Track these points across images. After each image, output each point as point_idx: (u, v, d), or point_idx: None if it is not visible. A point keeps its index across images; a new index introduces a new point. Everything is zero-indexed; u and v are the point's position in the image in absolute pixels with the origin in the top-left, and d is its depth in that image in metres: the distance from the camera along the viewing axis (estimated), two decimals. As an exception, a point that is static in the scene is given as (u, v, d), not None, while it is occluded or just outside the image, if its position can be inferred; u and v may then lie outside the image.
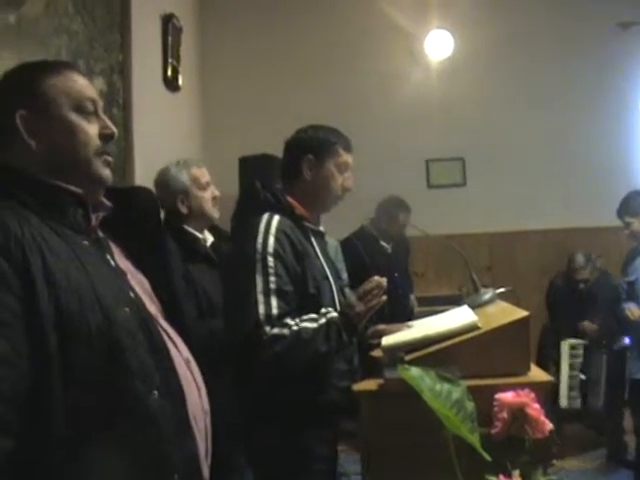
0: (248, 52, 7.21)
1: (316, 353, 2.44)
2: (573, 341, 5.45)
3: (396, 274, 5.67)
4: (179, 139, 6.22)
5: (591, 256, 5.97)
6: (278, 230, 2.56)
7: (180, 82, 6.09)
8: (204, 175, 3.62)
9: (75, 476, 1.42)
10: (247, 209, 2.74)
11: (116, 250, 1.76)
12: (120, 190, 1.68)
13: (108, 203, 1.72)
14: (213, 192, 3.60)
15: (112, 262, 1.68)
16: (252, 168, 5.70)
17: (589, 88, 7.01)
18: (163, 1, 5.90)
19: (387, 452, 2.21)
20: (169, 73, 5.85)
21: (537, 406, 2.01)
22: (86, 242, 1.61)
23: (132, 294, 1.64)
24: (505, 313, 2.53)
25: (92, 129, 1.64)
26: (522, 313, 2.36)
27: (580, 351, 5.40)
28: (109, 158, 1.68)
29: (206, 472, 1.71)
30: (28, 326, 1.41)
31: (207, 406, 1.75)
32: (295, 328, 2.42)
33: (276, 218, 2.60)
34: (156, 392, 1.53)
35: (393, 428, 2.19)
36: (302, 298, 2.53)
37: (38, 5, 3.46)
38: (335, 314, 2.50)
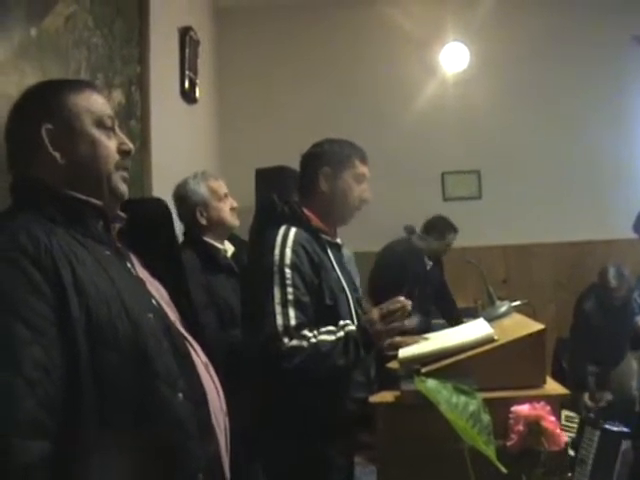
0: (264, 65, 7.24)
1: (334, 366, 2.45)
2: (568, 413, 5.31)
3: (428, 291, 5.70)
4: (196, 151, 6.25)
5: (623, 268, 5.78)
6: (295, 242, 2.58)
7: (197, 94, 6.12)
8: (222, 187, 3.68)
9: (105, 476, 1.46)
10: (264, 222, 2.75)
11: (134, 260, 1.82)
12: (131, 201, 1.76)
13: (122, 214, 1.79)
14: (231, 203, 3.67)
15: (133, 271, 1.74)
16: (268, 180, 5.72)
17: (605, 100, 7.00)
18: (180, 14, 5.94)
19: (403, 464, 2.21)
20: (186, 85, 5.88)
21: (553, 419, 2.01)
22: (108, 252, 1.67)
23: (154, 301, 1.71)
24: (521, 326, 2.54)
25: (112, 144, 1.72)
26: (538, 326, 2.36)
27: (574, 424, 5.23)
28: (126, 174, 1.76)
29: (227, 471, 1.76)
30: (61, 333, 1.46)
31: (225, 407, 1.81)
32: (313, 340, 2.43)
33: (293, 230, 2.62)
34: (181, 394, 1.59)
35: (409, 440, 2.20)
36: (319, 309, 2.54)
37: (58, 19, 3.49)
38: (353, 328, 2.50)
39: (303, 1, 7.15)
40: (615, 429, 3.85)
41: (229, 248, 3.68)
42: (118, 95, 4.30)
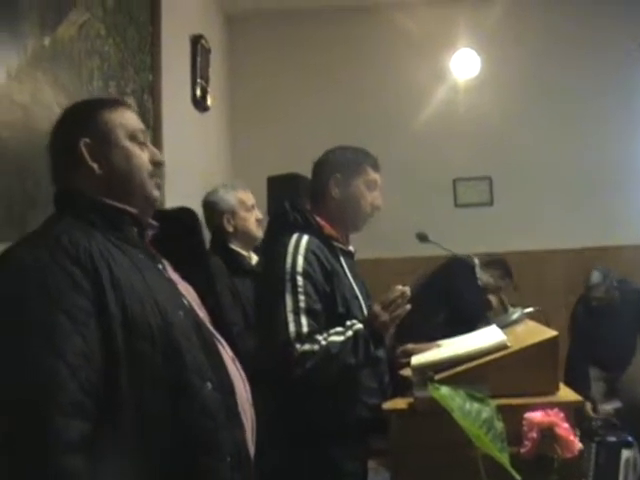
0: (275, 72, 7.24)
1: (345, 366, 2.46)
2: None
3: None
4: (208, 159, 6.27)
5: (609, 272, 5.84)
6: (307, 250, 2.58)
7: (209, 102, 6.14)
8: (250, 198, 3.89)
9: (140, 458, 1.60)
10: (277, 230, 2.76)
11: (166, 263, 1.97)
12: (164, 211, 1.94)
13: (155, 223, 1.96)
14: (257, 215, 3.84)
15: (165, 273, 1.91)
16: (280, 187, 5.71)
17: (618, 107, 6.98)
18: (192, 22, 5.97)
19: (416, 470, 2.22)
20: (198, 93, 5.90)
21: (566, 426, 2.01)
22: (142, 255, 1.83)
23: (184, 301, 1.86)
24: (534, 333, 2.54)
25: (144, 155, 1.89)
26: (551, 333, 2.37)
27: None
28: (159, 181, 1.94)
29: (252, 457, 1.90)
30: (99, 325, 1.61)
31: (251, 398, 1.95)
32: (324, 343, 2.44)
33: (305, 238, 2.63)
34: (209, 384, 1.74)
35: (422, 446, 2.21)
36: (331, 317, 2.55)
37: (72, 28, 3.51)
38: (360, 325, 2.51)
39: (313, 7, 7.15)
40: (612, 439, 3.75)
41: (253, 257, 3.82)
42: (130, 103, 4.32)
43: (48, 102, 3.25)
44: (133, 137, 1.88)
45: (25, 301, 1.57)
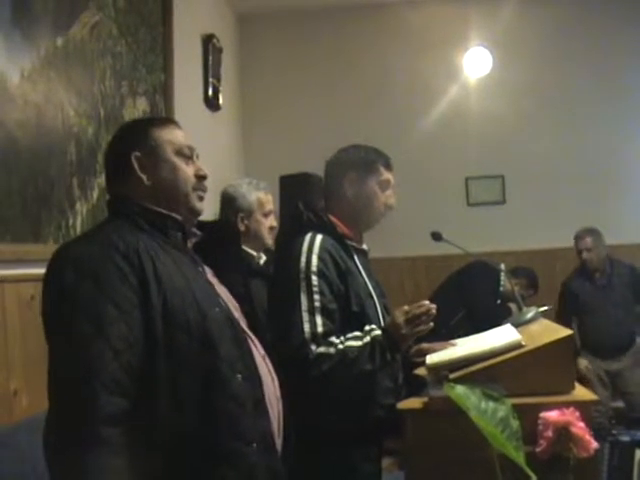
0: (287, 71, 7.25)
1: (361, 372, 2.44)
2: None
3: None
4: (220, 158, 6.27)
5: (600, 234, 5.89)
6: (321, 249, 2.58)
7: (221, 101, 6.15)
8: (269, 203, 3.84)
9: (172, 439, 1.78)
10: (290, 229, 2.76)
11: (206, 268, 2.14)
12: (207, 222, 2.25)
13: (198, 232, 2.16)
14: (272, 222, 3.78)
15: (204, 275, 2.07)
16: (292, 187, 5.71)
17: (630, 106, 6.96)
18: (203, 22, 5.98)
19: (431, 470, 2.21)
20: (210, 93, 5.91)
21: (582, 425, 2.01)
22: (184, 258, 2.01)
23: (220, 300, 2.02)
24: (548, 331, 2.53)
25: (190, 170, 2.07)
26: (566, 331, 2.36)
27: None
28: (202, 194, 2.10)
29: (279, 448, 2.06)
30: (142, 315, 1.79)
31: (279, 394, 2.10)
32: (341, 347, 2.43)
33: (319, 237, 2.62)
34: (239, 375, 1.90)
35: (437, 446, 2.20)
36: (346, 316, 2.54)
37: (84, 28, 3.52)
38: (379, 332, 2.48)
39: (325, 6, 7.15)
40: (626, 439, 3.69)
41: (262, 256, 3.78)
42: (142, 103, 4.33)
43: (61, 102, 3.26)
44: (179, 152, 2.05)
45: (79, 291, 1.76)
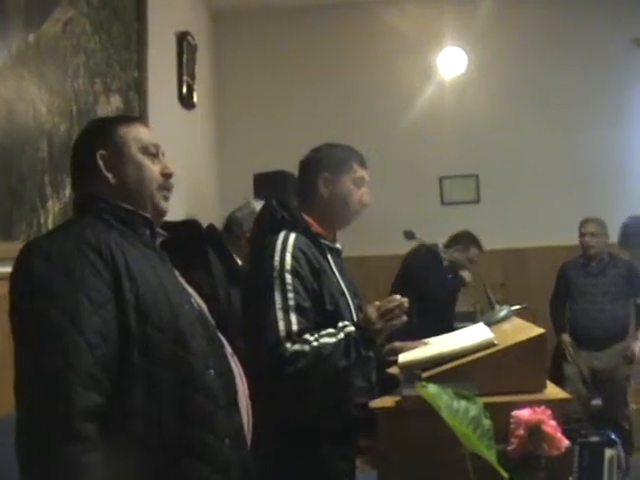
0: (263, 69, 7.24)
1: (336, 368, 2.45)
2: None
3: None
4: (195, 156, 6.26)
5: (605, 226, 5.91)
6: (295, 247, 2.57)
7: (195, 99, 6.14)
8: None
9: (146, 433, 1.79)
10: (264, 228, 2.75)
11: (173, 268, 2.13)
12: (172, 222, 2.22)
13: (163, 232, 2.13)
14: None
15: (173, 272, 2.08)
16: (267, 185, 5.72)
17: (604, 104, 7.01)
18: (178, 19, 5.95)
19: (404, 469, 2.21)
20: (184, 91, 5.90)
21: (553, 423, 2.01)
22: (154, 255, 2.01)
23: (190, 298, 2.05)
24: (521, 330, 2.54)
25: (156, 168, 2.05)
26: (538, 330, 2.36)
27: None
28: (168, 194, 2.09)
29: (248, 445, 2.08)
30: (115, 309, 1.79)
31: (247, 392, 2.12)
32: (315, 344, 2.43)
33: (292, 236, 2.62)
34: (212, 371, 1.92)
35: (410, 445, 2.20)
36: (320, 315, 2.54)
37: (57, 25, 3.50)
38: (352, 328, 2.49)
39: (300, 5, 7.15)
40: (595, 439, 3.70)
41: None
42: (116, 100, 4.31)
43: (32, 99, 3.24)
44: (145, 150, 2.04)
45: (51, 284, 1.76)
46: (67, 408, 1.65)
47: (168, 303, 1.89)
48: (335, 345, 2.45)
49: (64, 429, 1.64)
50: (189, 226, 2.34)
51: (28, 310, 1.77)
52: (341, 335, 2.48)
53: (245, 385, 2.12)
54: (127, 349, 1.79)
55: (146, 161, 2.03)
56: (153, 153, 2.06)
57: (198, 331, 1.94)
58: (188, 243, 2.26)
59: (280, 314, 2.46)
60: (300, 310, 2.48)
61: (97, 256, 1.81)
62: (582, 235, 5.91)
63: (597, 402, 5.94)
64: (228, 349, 2.11)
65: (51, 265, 1.77)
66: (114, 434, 1.73)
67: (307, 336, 2.45)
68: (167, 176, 2.07)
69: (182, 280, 2.11)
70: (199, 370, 1.88)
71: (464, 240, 5.92)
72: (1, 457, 2.03)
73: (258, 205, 3.86)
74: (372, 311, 2.50)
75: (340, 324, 2.52)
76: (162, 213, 2.09)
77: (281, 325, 2.44)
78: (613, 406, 5.78)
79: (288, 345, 2.41)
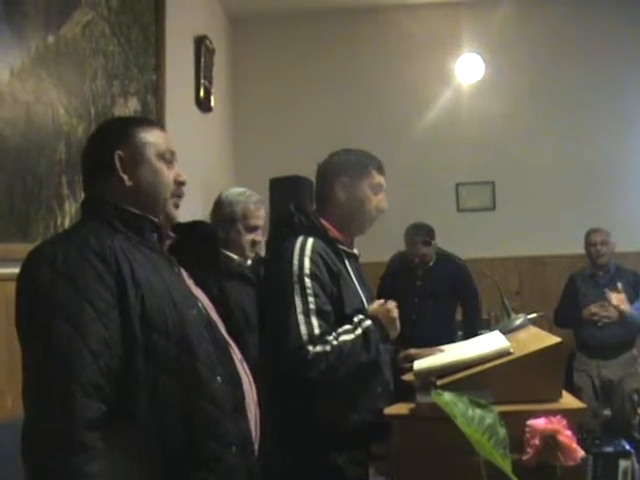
0: (279, 74, 7.26)
1: (358, 363, 2.48)
2: None
3: (416, 299, 5.67)
4: (210, 159, 6.27)
5: (610, 236, 5.90)
6: (313, 252, 2.57)
7: (212, 103, 6.15)
8: (257, 218, 3.74)
9: (152, 441, 1.78)
10: (282, 233, 2.75)
11: (182, 270, 2.13)
12: (182, 224, 2.27)
13: (172, 234, 2.16)
14: (256, 237, 3.71)
15: (180, 277, 2.07)
16: (282, 189, 5.72)
17: (622, 112, 6.98)
18: (196, 23, 5.97)
19: (417, 476, 2.20)
20: (201, 94, 5.91)
21: (569, 433, 2.00)
22: (160, 259, 2.00)
23: (197, 302, 2.04)
24: (537, 339, 2.52)
25: (170, 174, 2.05)
26: (554, 339, 2.35)
27: None
28: (179, 201, 2.09)
29: (256, 452, 2.06)
30: (120, 316, 1.78)
31: (256, 398, 2.11)
32: (335, 343, 2.44)
33: (310, 240, 2.62)
34: (219, 378, 1.91)
35: (424, 452, 2.19)
36: (339, 319, 2.54)
37: (76, 27, 3.51)
38: (369, 322, 2.53)
39: (318, 10, 7.16)
40: (609, 450, 3.68)
41: (247, 261, 3.72)
42: (134, 103, 4.32)
43: (51, 101, 3.25)
44: (162, 156, 2.03)
45: (55, 292, 1.74)
46: (70, 418, 1.64)
47: (174, 309, 1.88)
48: (354, 341, 2.47)
49: (67, 439, 1.64)
50: (197, 226, 2.33)
51: (32, 319, 1.77)
52: (359, 331, 2.51)
53: (254, 392, 2.11)
54: (132, 356, 1.78)
55: (162, 167, 2.02)
56: (169, 159, 2.05)
57: (205, 337, 1.93)
58: (196, 243, 2.29)
59: (302, 318, 2.46)
60: (321, 313, 2.49)
61: (101, 262, 1.79)
62: (592, 245, 5.90)
63: (607, 412, 5.92)
64: (237, 355, 2.10)
65: (55, 273, 1.76)
66: (118, 442, 1.73)
67: (328, 337, 2.46)
68: (180, 184, 2.08)
69: (190, 282, 2.12)
70: (205, 377, 1.87)
71: (409, 234, 5.87)
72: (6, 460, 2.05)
73: (242, 188, 3.85)
74: (381, 304, 2.63)
75: (355, 319, 2.55)
76: (172, 220, 2.10)
77: (303, 329, 2.44)
78: (623, 417, 5.76)
79: (310, 348, 2.41)
